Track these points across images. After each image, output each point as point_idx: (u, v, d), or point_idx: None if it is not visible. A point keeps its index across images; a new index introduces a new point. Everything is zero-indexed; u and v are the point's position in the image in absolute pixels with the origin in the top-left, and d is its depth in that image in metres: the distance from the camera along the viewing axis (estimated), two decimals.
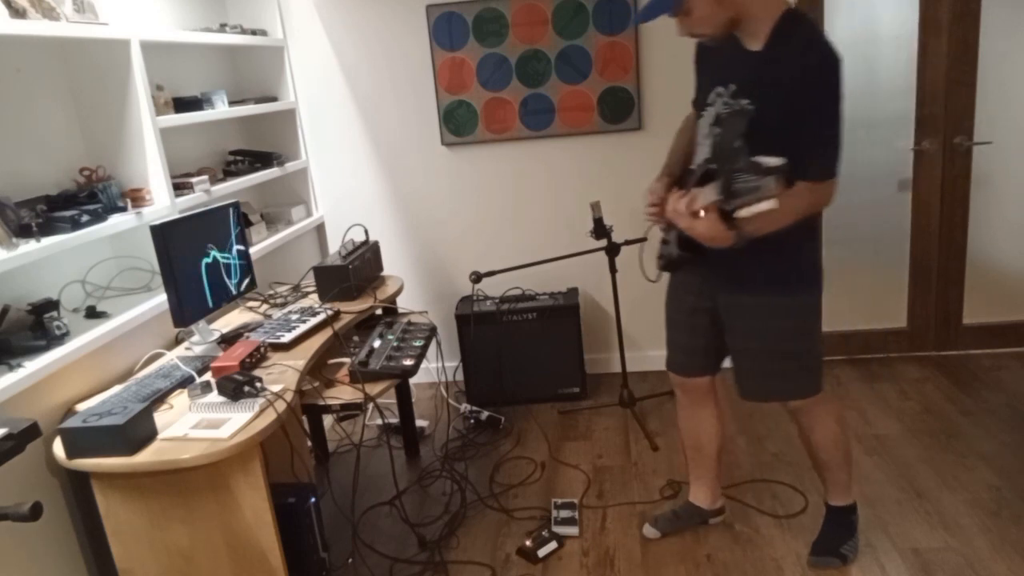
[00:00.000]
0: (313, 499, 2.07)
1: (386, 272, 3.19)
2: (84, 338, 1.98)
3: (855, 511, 2.29)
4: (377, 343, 2.52)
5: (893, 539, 2.33)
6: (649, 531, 2.46)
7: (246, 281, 2.60)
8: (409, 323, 2.74)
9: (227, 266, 2.47)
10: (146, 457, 1.70)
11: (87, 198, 2.14)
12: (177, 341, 2.44)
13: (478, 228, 3.70)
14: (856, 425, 3.04)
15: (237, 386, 1.86)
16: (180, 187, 2.50)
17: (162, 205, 2.37)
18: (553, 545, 2.44)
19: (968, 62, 3.28)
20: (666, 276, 2.26)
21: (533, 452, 3.08)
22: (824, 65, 1.79)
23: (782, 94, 1.80)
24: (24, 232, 1.86)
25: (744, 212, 1.74)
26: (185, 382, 2.04)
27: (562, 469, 2.94)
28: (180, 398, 1.98)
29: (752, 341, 2.06)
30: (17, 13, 1.90)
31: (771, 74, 1.82)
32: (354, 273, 2.81)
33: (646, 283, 2.85)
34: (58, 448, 1.75)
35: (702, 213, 1.79)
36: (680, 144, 2.18)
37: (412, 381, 3.04)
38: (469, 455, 3.11)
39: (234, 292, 2.52)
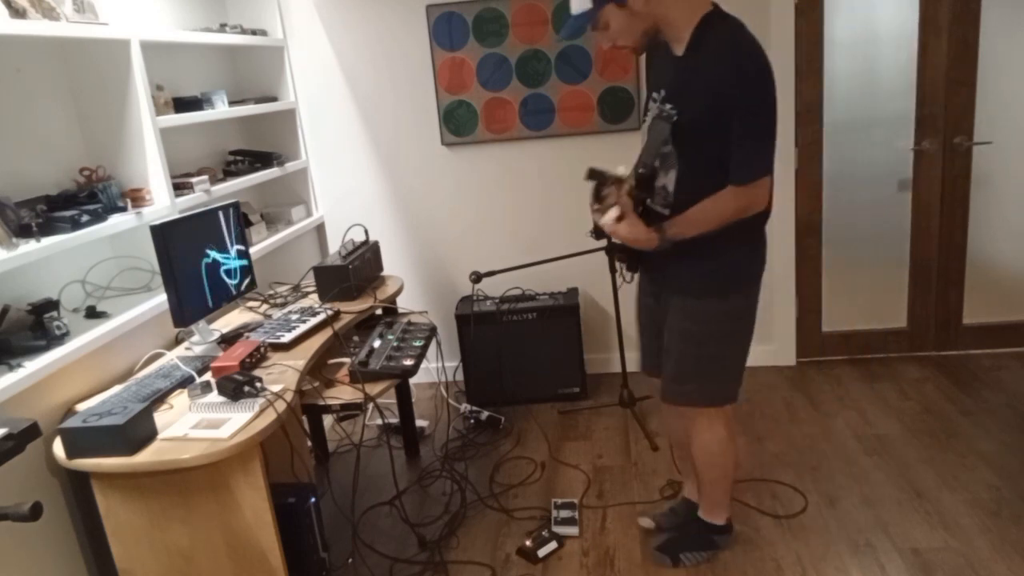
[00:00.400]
0: (313, 499, 2.07)
1: (386, 272, 3.19)
2: (84, 338, 1.98)
3: (724, 532, 2.31)
4: (377, 343, 2.52)
5: (893, 539, 2.33)
6: (644, 521, 2.49)
7: (246, 281, 2.60)
8: (409, 323, 2.74)
9: (227, 266, 2.47)
10: (146, 457, 1.70)
11: (87, 198, 2.14)
12: (177, 341, 2.44)
13: (478, 228, 3.70)
14: (856, 425, 3.04)
15: (237, 386, 1.86)
16: (180, 187, 2.50)
17: (162, 205, 2.36)
18: (553, 545, 2.44)
19: (968, 62, 3.28)
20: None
21: (533, 452, 3.08)
22: (742, 67, 1.77)
23: (703, 98, 1.82)
24: (24, 232, 1.86)
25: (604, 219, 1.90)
26: (185, 382, 2.04)
27: (562, 469, 2.94)
28: (180, 398, 1.98)
29: (673, 340, 2.08)
30: (17, 13, 1.90)
31: (692, 79, 1.85)
32: (354, 273, 2.81)
33: None
34: (58, 448, 1.75)
35: (612, 215, 1.89)
36: None
37: (412, 381, 3.04)
38: (469, 455, 3.11)
39: (234, 292, 2.52)
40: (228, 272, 2.48)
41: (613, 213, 1.90)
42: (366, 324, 2.77)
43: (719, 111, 1.80)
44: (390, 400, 3.31)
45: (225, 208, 2.48)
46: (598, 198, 1.94)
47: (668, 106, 1.90)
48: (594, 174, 1.95)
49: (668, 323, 2.10)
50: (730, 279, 2.01)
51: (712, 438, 2.15)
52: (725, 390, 2.10)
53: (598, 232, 2.08)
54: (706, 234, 1.89)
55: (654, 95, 1.99)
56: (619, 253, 2.11)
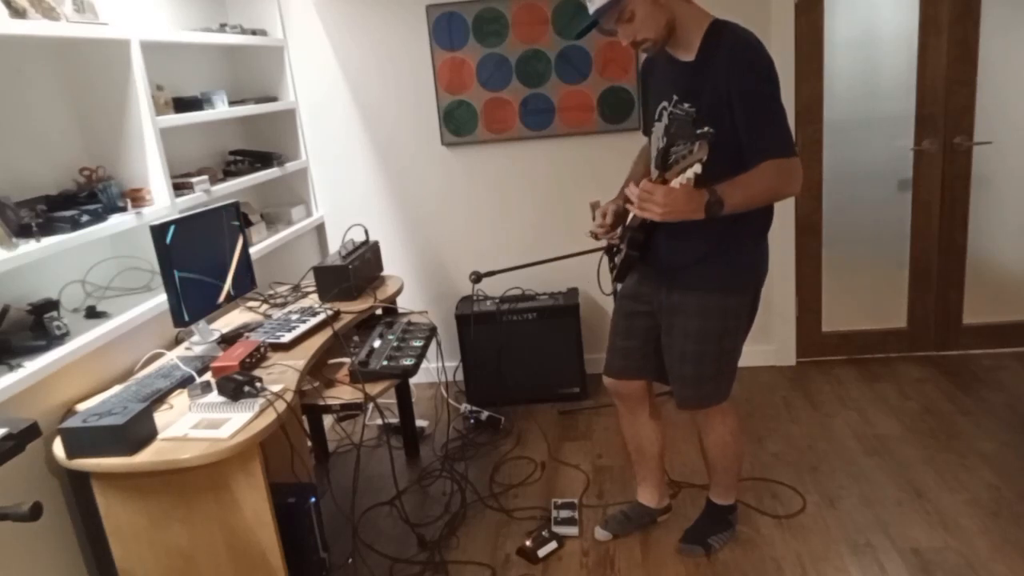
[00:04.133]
0: (313, 499, 2.07)
1: (386, 272, 3.19)
2: (84, 338, 1.98)
3: (734, 511, 2.41)
4: (377, 343, 2.51)
5: (893, 539, 2.33)
6: (600, 533, 2.49)
7: (246, 281, 2.60)
8: (409, 323, 2.74)
9: (227, 266, 2.47)
10: (146, 457, 1.70)
11: (87, 198, 2.14)
12: (177, 341, 2.44)
13: (478, 228, 3.70)
14: (856, 425, 3.04)
15: (237, 386, 1.86)
16: (180, 187, 2.50)
17: (162, 205, 2.36)
18: (553, 545, 2.44)
19: (968, 62, 3.28)
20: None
21: (533, 452, 3.08)
22: (751, 55, 1.84)
23: (719, 95, 1.86)
24: (24, 232, 1.86)
25: (677, 181, 1.79)
26: (185, 382, 2.04)
27: (562, 469, 2.94)
28: (180, 398, 1.98)
29: (688, 342, 2.10)
30: (17, 13, 1.90)
31: (705, 79, 1.89)
32: (354, 273, 2.81)
33: None
34: (58, 448, 1.75)
35: (677, 185, 1.80)
36: (637, 170, 2.28)
37: (412, 381, 3.04)
38: (469, 455, 3.11)
39: (234, 292, 2.52)
40: (228, 272, 2.48)
41: (657, 198, 1.80)
42: (366, 324, 2.77)
43: (733, 103, 1.84)
44: (390, 400, 3.31)
45: (225, 208, 2.48)
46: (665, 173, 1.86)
47: (685, 105, 1.92)
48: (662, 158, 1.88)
49: (679, 326, 2.10)
50: (745, 275, 2.07)
51: (726, 430, 2.25)
52: (731, 384, 2.19)
53: (630, 238, 2.05)
54: (722, 230, 1.89)
55: (663, 103, 2.01)
56: (631, 250, 2.07)
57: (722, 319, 2.07)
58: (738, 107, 1.84)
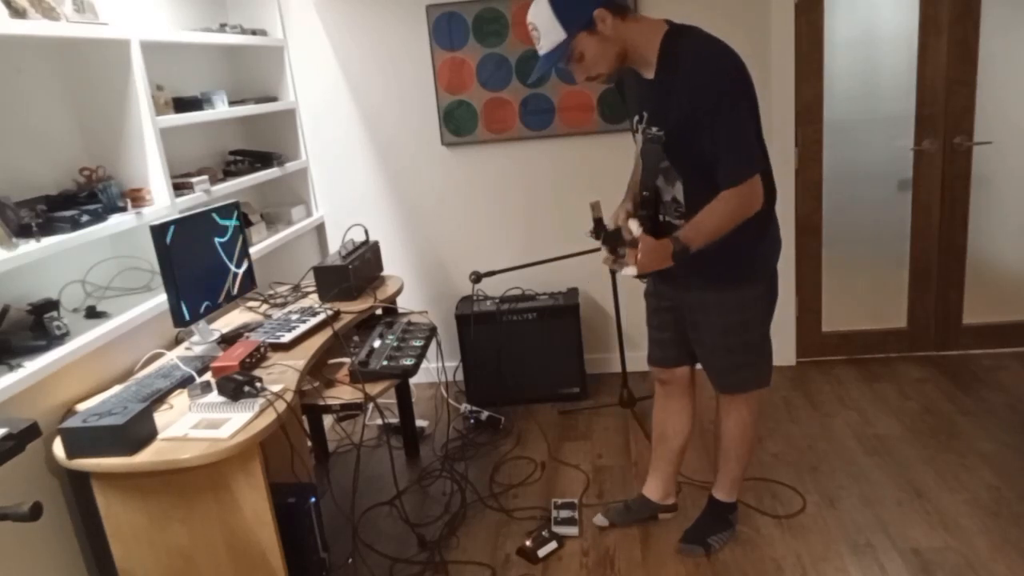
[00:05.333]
0: (313, 499, 2.07)
1: (386, 272, 3.19)
2: (84, 338, 1.98)
3: (734, 511, 2.42)
4: (377, 343, 2.51)
5: (893, 539, 2.33)
6: (599, 519, 2.53)
7: (246, 281, 2.60)
8: (409, 323, 2.74)
9: (227, 266, 2.47)
10: (146, 457, 1.70)
11: (87, 198, 2.14)
12: (177, 341, 2.44)
13: (478, 228, 3.70)
14: (856, 425, 3.04)
15: (237, 386, 1.86)
16: (180, 187, 2.50)
17: (162, 205, 2.36)
18: (553, 545, 2.44)
19: (968, 62, 3.28)
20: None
21: (533, 452, 3.08)
22: (709, 73, 1.83)
23: (682, 112, 1.87)
24: (24, 232, 1.86)
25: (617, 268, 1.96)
26: (185, 382, 2.04)
27: (562, 469, 2.94)
28: (180, 398, 1.98)
29: (715, 337, 2.15)
30: (17, 13, 1.90)
31: (667, 97, 1.90)
32: (354, 273, 2.81)
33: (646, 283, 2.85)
34: (58, 448, 1.75)
35: (630, 269, 1.92)
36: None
37: (412, 381, 3.04)
38: (469, 455, 3.11)
39: (234, 292, 2.52)
40: (228, 272, 2.48)
41: (631, 267, 1.92)
42: (366, 324, 2.77)
43: (698, 121, 1.85)
44: (390, 400, 3.31)
45: (225, 208, 2.48)
46: (616, 255, 1.98)
47: (654, 128, 1.95)
48: (608, 238, 1.99)
49: (703, 323, 2.15)
50: (755, 265, 2.09)
51: (748, 410, 2.27)
52: (769, 369, 2.24)
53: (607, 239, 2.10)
54: (724, 237, 1.92)
55: (636, 119, 2.05)
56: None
57: (742, 311, 2.11)
58: (704, 126, 1.85)
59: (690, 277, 2.10)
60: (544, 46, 1.88)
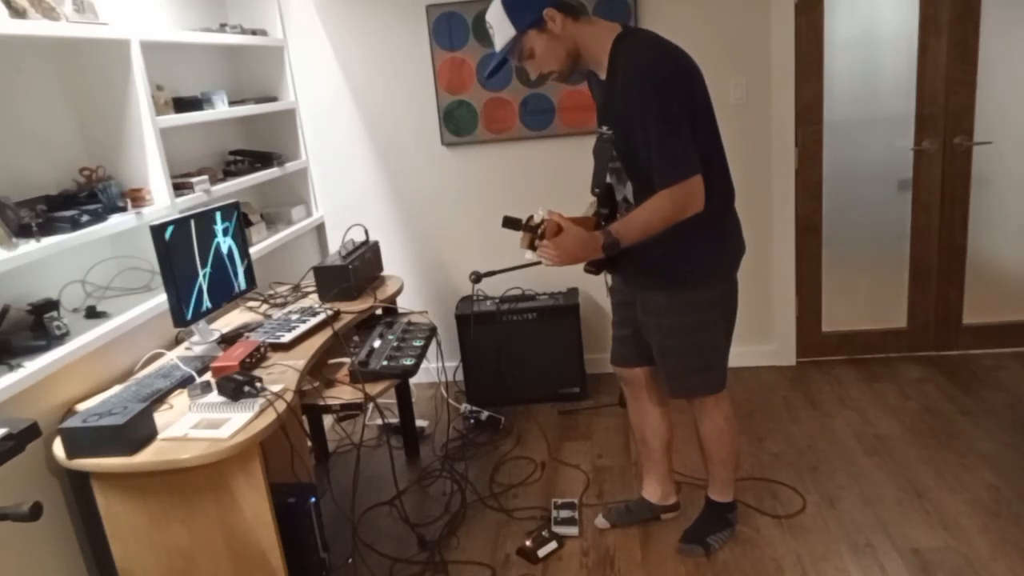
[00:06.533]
0: (313, 499, 2.07)
1: (386, 272, 3.19)
2: (84, 338, 1.98)
3: (733, 509, 2.42)
4: (377, 343, 2.51)
5: (893, 539, 2.33)
6: (599, 521, 2.53)
7: (246, 281, 2.60)
8: (409, 323, 2.74)
9: (227, 266, 2.47)
10: (146, 457, 1.70)
11: (87, 198, 2.14)
12: (177, 341, 2.44)
13: (478, 228, 3.70)
14: (856, 425, 3.04)
15: (237, 386, 1.86)
16: (180, 187, 2.50)
17: (162, 205, 2.36)
18: (553, 545, 2.44)
19: (968, 62, 3.28)
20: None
21: (533, 452, 3.08)
22: (640, 74, 1.86)
23: (625, 115, 1.91)
24: (24, 232, 1.86)
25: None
26: (185, 382, 2.04)
27: (562, 469, 2.94)
28: (180, 398, 1.98)
29: (663, 338, 2.15)
30: (17, 13, 1.90)
31: (614, 99, 1.94)
32: (354, 273, 2.81)
33: None
34: (58, 448, 1.75)
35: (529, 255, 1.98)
36: None
37: (412, 381, 3.04)
38: (469, 455, 3.11)
39: (234, 292, 2.52)
40: (228, 272, 2.48)
41: (530, 254, 1.97)
42: (366, 324, 2.77)
43: (634, 122, 1.89)
44: (390, 400, 3.31)
45: (225, 208, 2.48)
46: (532, 245, 1.99)
47: (604, 128, 2.01)
48: (508, 222, 2.00)
49: (653, 324, 2.16)
50: (707, 268, 2.09)
51: (721, 416, 2.26)
52: (723, 375, 2.21)
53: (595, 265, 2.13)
54: (668, 232, 1.92)
55: (597, 118, 2.10)
56: (587, 266, 2.15)
57: (691, 313, 2.09)
58: (636, 128, 1.88)
59: (639, 277, 2.12)
60: (498, 43, 1.98)
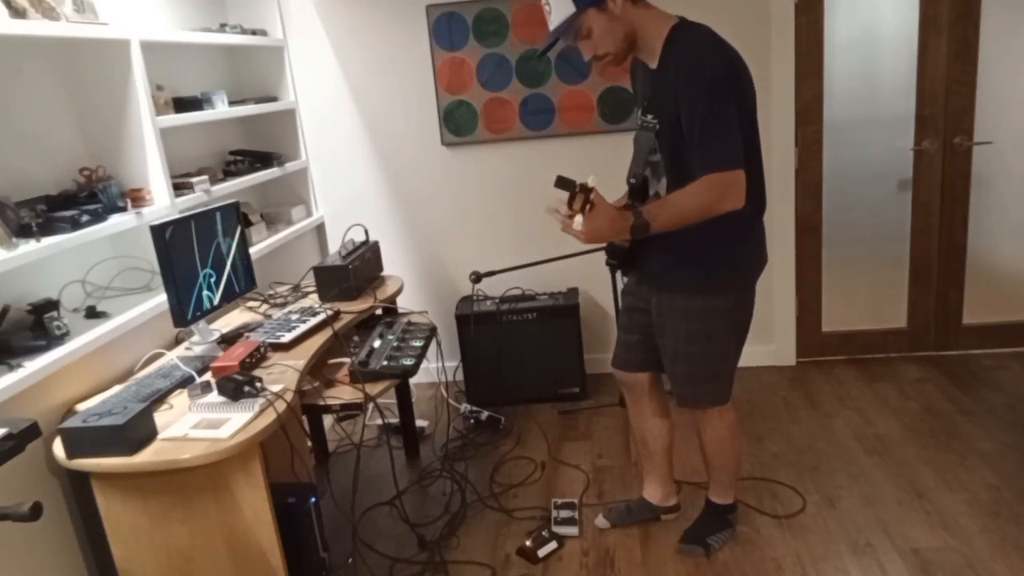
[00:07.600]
0: (313, 499, 2.07)
1: (386, 272, 3.19)
2: (84, 338, 1.98)
3: (733, 511, 2.41)
4: (377, 343, 2.51)
5: (893, 539, 2.33)
6: (600, 521, 2.54)
7: (246, 281, 2.60)
8: (409, 323, 2.74)
9: (227, 266, 2.47)
10: (146, 457, 1.70)
11: (87, 198, 2.14)
12: (177, 341, 2.44)
13: (478, 228, 3.70)
14: (856, 425, 3.04)
15: (237, 386, 1.86)
16: (180, 187, 2.50)
17: (162, 205, 2.36)
18: (553, 545, 2.44)
19: (968, 62, 3.28)
20: None
21: (533, 452, 3.08)
22: (692, 67, 1.84)
23: (674, 106, 1.88)
24: (24, 232, 1.86)
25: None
26: (185, 382, 2.04)
27: (562, 469, 2.94)
28: (180, 398, 1.98)
29: (678, 343, 2.13)
30: (17, 13, 1.90)
31: (664, 89, 1.91)
32: (354, 273, 2.81)
33: None
34: (58, 448, 1.75)
35: (579, 219, 1.85)
36: None
37: (412, 381, 3.04)
38: (469, 455, 3.11)
39: (234, 292, 2.52)
40: (228, 272, 2.47)
41: (580, 218, 1.86)
42: (366, 324, 2.77)
43: (681, 114, 1.86)
44: (390, 400, 3.31)
45: (225, 208, 2.48)
46: (571, 206, 1.91)
47: (649, 116, 1.97)
48: (563, 182, 1.93)
49: (668, 328, 2.14)
50: (728, 276, 2.06)
51: (723, 426, 2.25)
52: (729, 388, 2.20)
53: (611, 251, 2.10)
54: (695, 233, 1.89)
55: (637, 108, 2.07)
56: (610, 259, 2.13)
57: (707, 320, 2.07)
58: (684, 119, 1.86)
59: (657, 278, 2.11)
60: (554, 20, 1.90)
